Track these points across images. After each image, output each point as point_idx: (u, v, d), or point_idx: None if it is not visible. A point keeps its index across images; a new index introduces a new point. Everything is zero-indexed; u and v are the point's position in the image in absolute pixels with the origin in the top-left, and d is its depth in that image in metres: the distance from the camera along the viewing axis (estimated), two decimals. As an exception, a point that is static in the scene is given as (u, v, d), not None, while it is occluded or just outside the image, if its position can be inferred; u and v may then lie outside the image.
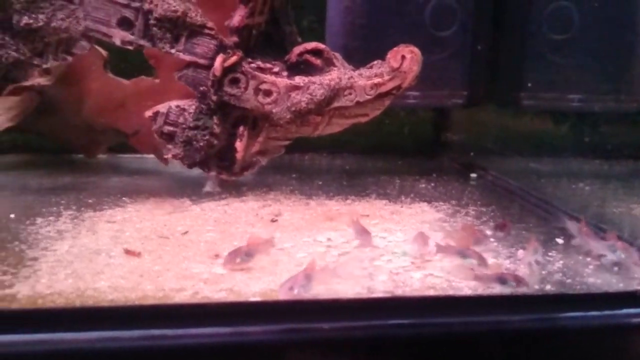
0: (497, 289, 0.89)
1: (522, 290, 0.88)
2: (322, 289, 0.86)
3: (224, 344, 0.81)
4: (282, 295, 0.85)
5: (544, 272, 0.97)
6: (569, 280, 0.95)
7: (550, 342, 0.88)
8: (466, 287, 0.90)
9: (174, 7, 1.23)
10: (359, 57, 1.41)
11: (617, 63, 1.57)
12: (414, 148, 1.84)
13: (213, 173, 1.35)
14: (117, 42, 1.26)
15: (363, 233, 1.07)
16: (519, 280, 0.89)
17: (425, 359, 0.85)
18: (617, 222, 1.24)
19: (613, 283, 0.95)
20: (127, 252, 0.98)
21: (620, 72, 1.58)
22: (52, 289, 0.84)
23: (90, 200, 1.26)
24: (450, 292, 0.89)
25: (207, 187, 1.36)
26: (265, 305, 0.85)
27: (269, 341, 0.82)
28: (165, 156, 1.34)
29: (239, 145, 1.32)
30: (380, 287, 0.89)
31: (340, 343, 0.83)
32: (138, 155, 1.61)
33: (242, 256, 0.94)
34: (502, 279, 0.89)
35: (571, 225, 1.10)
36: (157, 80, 1.47)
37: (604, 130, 1.69)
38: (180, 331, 0.79)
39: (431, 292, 0.89)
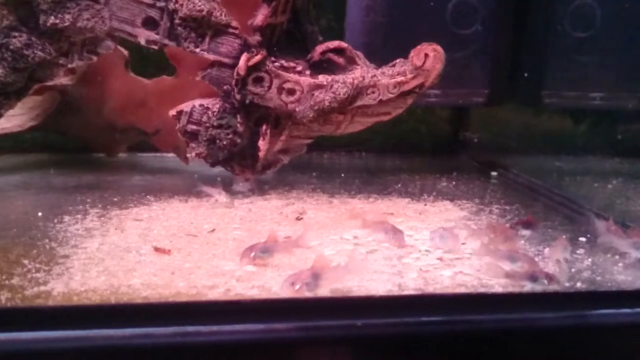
0: (528, 287, 0.89)
1: (553, 287, 0.88)
2: (333, 288, 0.86)
3: (258, 341, 0.81)
4: (283, 292, 0.84)
5: (573, 270, 0.97)
6: (598, 278, 0.95)
7: (582, 339, 0.88)
8: (497, 284, 0.90)
9: (199, 6, 1.23)
10: (379, 56, 1.40)
11: (638, 60, 1.56)
12: (432, 146, 1.84)
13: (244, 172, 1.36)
14: (142, 41, 1.26)
15: (395, 232, 1.05)
16: (550, 278, 0.89)
17: (457, 357, 0.85)
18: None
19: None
20: (157, 249, 0.99)
21: (642, 71, 1.57)
22: (86, 286, 0.85)
23: (115, 199, 1.27)
24: (481, 290, 0.89)
25: (238, 186, 1.36)
26: (298, 302, 0.85)
27: (302, 338, 0.83)
28: (189, 155, 1.35)
29: (261, 143, 1.32)
30: (411, 284, 0.89)
31: (372, 340, 0.83)
32: (158, 154, 1.62)
33: (257, 252, 0.94)
34: (533, 277, 0.89)
35: (598, 224, 1.10)
36: (177, 80, 1.48)
37: (625, 128, 1.68)
38: (214, 328, 0.79)
39: (462, 290, 0.89)
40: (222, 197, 1.30)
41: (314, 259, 0.90)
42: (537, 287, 0.88)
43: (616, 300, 0.90)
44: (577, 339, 0.88)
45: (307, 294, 0.84)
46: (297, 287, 0.84)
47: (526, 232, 1.12)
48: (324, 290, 0.86)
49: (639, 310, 0.89)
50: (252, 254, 0.94)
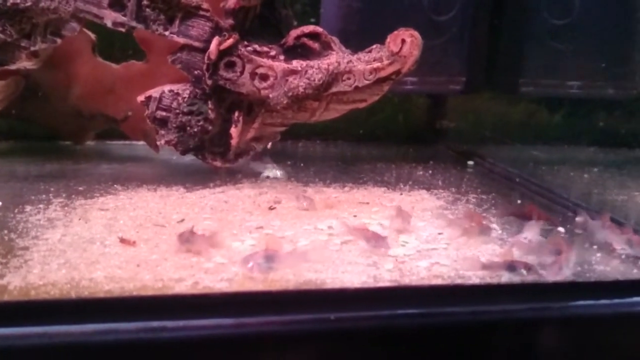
0: (506, 277, 0.87)
1: (532, 277, 0.86)
2: (286, 272, 0.85)
3: (227, 336, 0.78)
4: (241, 266, 0.84)
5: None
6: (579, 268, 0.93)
7: (560, 330, 0.87)
8: (474, 276, 0.88)
9: (168, -13, 1.18)
10: (355, 41, 1.37)
11: (616, 50, 1.55)
12: (409, 135, 1.81)
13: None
14: (109, 23, 1.21)
15: (377, 240, 0.98)
16: (529, 268, 0.87)
17: (434, 348, 0.83)
18: (623, 209, 1.23)
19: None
20: (122, 240, 0.94)
21: (620, 59, 1.56)
22: (45, 279, 0.80)
23: (80, 188, 1.22)
24: (458, 281, 0.87)
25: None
26: (268, 295, 0.82)
27: (273, 332, 0.80)
28: (158, 142, 1.31)
29: (234, 131, 1.28)
30: (387, 276, 0.87)
31: (346, 333, 0.81)
32: (127, 142, 1.57)
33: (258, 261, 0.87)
34: (511, 267, 0.87)
35: (583, 216, 1.08)
36: (147, 64, 1.43)
37: (601, 117, 1.68)
38: (181, 323, 0.76)
39: (438, 281, 0.86)
40: (276, 172, 1.30)
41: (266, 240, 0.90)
42: (515, 278, 0.86)
43: (594, 292, 0.89)
44: (555, 330, 0.87)
45: (257, 274, 0.83)
46: (250, 264, 0.83)
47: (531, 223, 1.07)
48: (277, 274, 0.84)
49: (617, 301, 0.88)
50: (250, 264, 0.87)
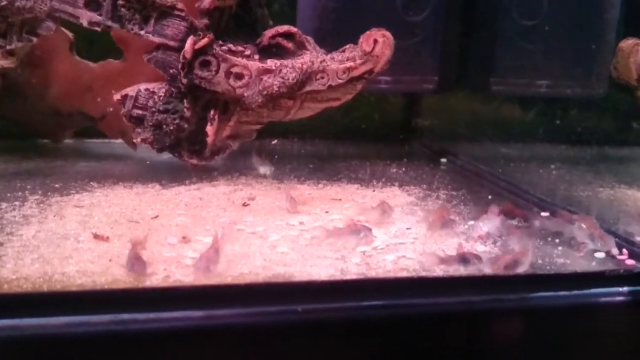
0: (462, 270, 0.90)
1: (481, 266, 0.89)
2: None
3: (197, 328, 0.80)
4: (199, 275, 0.84)
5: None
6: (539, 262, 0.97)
7: (520, 321, 0.90)
8: (438, 269, 0.91)
9: (143, -13, 1.20)
10: (330, 41, 1.40)
11: (584, 50, 1.59)
12: (385, 134, 1.84)
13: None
14: (85, 23, 1.23)
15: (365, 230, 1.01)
16: (478, 258, 0.90)
17: (399, 339, 0.86)
18: (585, 204, 1.27)
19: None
20: (96, 236, 0.96)
21: (587, 59, 1.60)
22: (19, 274, 0.82)
23: (57, 185, 1.23)
24: (423, 274, 0.89)
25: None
26: (239, 288, 0.84)
27: (243, 324, 0.82)
28: (135, 140, 1.32)
29: (209, 129, 1.30)
30: (354, 269, 0.89)
31: (314, 325, 0.83)
32: (106, 140, 1.58)
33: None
34: (464, 259, 0.90)
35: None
36: (125, 63, 1.44)
37: (571, 116, 1.72)
38: (152, 315, 0.78)
39: (404, 275, 0.89)
40: (271, 170, 1.33)
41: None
42: (471, 269, 0.89)
43: (554, 283, 0.92)
44: (515, 321, 0.90)
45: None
46: (211, 267, 0.85)
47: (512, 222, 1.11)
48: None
49: (576, 293, 0.92)
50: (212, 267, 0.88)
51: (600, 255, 1.00)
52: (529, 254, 0.90)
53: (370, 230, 1.01)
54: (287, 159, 1.56)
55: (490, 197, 1.30)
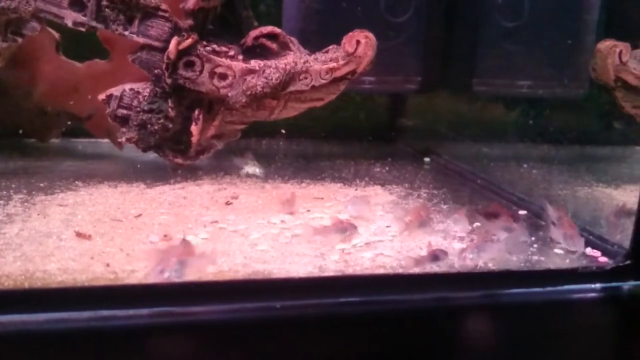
0: (435, 267, 0.92)
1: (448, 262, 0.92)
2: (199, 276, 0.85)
3: (176, 324, 0.82)
4: (153, 278, 0.83)
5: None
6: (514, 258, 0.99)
7: (494, 317, 0.92)
8: (414, 265, 0.93)
9: (127, -12, 1.21)
10: (314, 42, 1.41)
11: (565, 51, 1.61)
12: (369, 133, 1.86)
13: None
14: (69, 23, 1.24)
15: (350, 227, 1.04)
16: (445, 254, 0.93)
17: (375, 335, 0.87)
18: (561, 202, 1.29)
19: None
20: (78, 234, 0.97)
21: (568, 59, 1.62)
22: (0, 271, 0.83)
23: (41, 184, 1.24)
24: (400, 271, 0.91)
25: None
26: (218, 284, 0.86)
27: (223, 320, 0.84)
28: (120, 140, 1.34)
29: (194, 129, 1.32)
30: (332, 266, 0.91)
31: (292, 321, 0.85)
32: (92, 140, 1.59)
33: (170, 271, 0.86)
34: (435, 256, 0.92)
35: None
36: (111, 63, 1.45)
37: (552, 116, 1.74)
38: (131, 311, 0.79)
39: (381, 271, 0.91)
40: (255, 169, 1.34)
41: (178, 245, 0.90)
42: (443, 265, 0.91)
43: (527, 280, 0.94)
44: (489, 317, 0.92)
45: (175, 280, 0.83)
46: (167, 275, 0.83)
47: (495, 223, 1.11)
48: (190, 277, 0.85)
49: (550, 289, 0.94)
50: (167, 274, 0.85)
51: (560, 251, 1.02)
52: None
53: (355, 227, 1.03)
54: (271, 158, 1.58)
55: (469, 196, 1.33)
